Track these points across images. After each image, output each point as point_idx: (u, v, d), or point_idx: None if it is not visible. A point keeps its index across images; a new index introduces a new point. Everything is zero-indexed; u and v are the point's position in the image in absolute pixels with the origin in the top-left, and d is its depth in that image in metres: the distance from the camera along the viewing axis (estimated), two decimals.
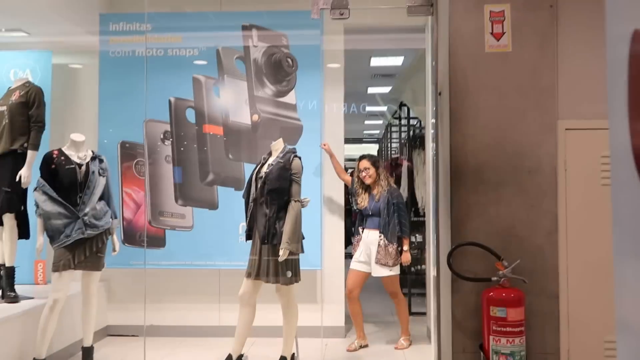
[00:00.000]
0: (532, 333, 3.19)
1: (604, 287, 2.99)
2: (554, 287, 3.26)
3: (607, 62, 1.43)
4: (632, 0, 1.20)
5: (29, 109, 4.32)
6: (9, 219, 4.27)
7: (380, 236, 4.64)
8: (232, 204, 4.70)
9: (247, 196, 4.13)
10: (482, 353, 3.18)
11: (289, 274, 3.95)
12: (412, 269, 6.04)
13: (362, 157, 4.84)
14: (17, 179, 4.23)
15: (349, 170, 5.15)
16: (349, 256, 5.27)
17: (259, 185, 4.03)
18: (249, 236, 4.10)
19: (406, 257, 4.69)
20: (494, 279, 3.17)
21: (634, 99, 1.33)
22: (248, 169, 4.65)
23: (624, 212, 1.36)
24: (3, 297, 4.27)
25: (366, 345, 4.78)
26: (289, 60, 4.90)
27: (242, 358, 4.08)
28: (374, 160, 4.86)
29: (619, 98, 1.38)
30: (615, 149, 1.42)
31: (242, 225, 4.33)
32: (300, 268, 4.05)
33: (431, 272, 4.25)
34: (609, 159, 1.47)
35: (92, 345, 4.17)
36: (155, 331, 4.70)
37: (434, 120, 3.78)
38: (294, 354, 4.11)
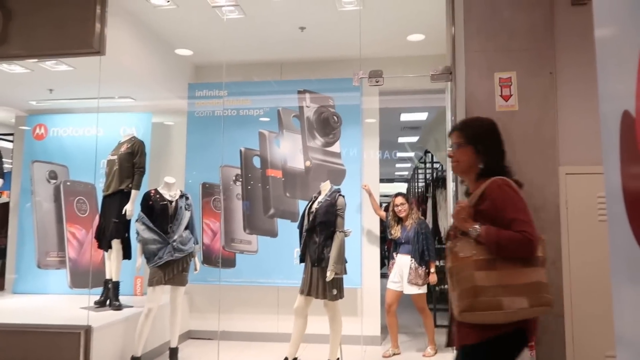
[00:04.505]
0: (541, 347, 3.02)
1: (603, 308, 2.83)
2: (559, 308, 3.09)
3: (601, 123, 1.39)
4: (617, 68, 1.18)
5: (134, 158, 4.51)
6: (116, 243, 4.43)
7: (411, 260, 4.55)
8: (289, 233, 4.74)
9: (301, 227, 4.14)
10: None
11: (335, 291, 3.91)
12: (437, 288, 5.87)
13: (397, 194, 4.78)
14: (123, 212, 4.40)
15: (383, 205, 5.11)
16: (383, 276, 5.19)
17: (310, 218, 4.04)
18: (302, 259, 4.08)
19: (433, 278, 4.58)
20: None
21: (625, 153, 1.30)
22: (302, 204, 4.68)
23: (619, 244, 1.30)
24: (110, 305, 4.40)
25: (399, 353, 4.64)
26: (335, 117, 4.97)
27: None
28: (407, 197, 4.82)
29: (611, 150, 1.34)
30: (610, 190, 1.37)
31: (297, 251, 4.33)
32: (344, 286, 4.01)
33: None
34: (604, 198, 1.41)
35: (177, 346, 4.22)
36: (227, 336, 4.71)
37: None
38: (338, 358, 4.04)
